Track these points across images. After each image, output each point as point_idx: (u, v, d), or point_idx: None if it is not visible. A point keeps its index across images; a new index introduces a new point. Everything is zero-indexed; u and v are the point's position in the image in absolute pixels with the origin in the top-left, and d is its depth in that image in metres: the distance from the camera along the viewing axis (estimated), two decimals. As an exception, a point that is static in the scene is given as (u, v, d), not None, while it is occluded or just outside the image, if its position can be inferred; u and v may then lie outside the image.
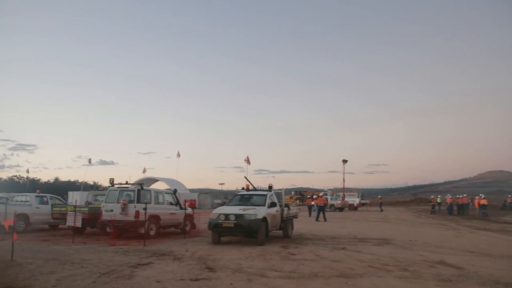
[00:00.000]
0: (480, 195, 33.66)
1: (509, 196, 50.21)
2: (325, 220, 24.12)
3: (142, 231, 12.46)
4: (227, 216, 11.81)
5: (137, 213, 12.82)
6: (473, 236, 16.06)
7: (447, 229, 19.53)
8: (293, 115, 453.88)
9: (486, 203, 31.07)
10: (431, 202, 39.67)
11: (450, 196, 38.30)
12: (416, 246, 11.88)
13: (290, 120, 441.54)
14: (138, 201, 13.20)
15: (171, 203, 15.15)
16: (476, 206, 32.41)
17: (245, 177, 15.52)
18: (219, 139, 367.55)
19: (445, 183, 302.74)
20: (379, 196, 45.90)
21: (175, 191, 16.09)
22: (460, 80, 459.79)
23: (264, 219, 12.02)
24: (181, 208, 15.44)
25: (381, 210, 41.41)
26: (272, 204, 13.14)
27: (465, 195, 37.77)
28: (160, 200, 14.58)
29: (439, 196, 45.21)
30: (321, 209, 24.90)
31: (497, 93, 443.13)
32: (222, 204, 22.51)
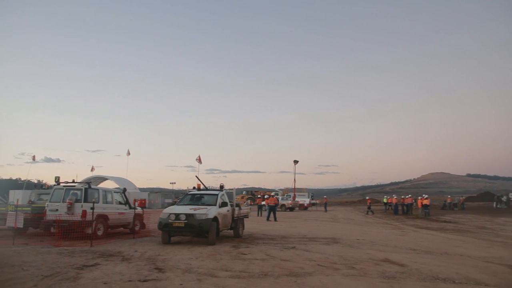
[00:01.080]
0: (423, 195, 35.28)
1: (449, 196, 53.07)
2: (275, 219, 24.35)
3: (89, 231, 12.04)
4: (177, 215, 11.66)
5: (84, 212, 12.38)
6: (415, 234, 16.77)
7: (392, 228, 20.29)
8: (247, 116, 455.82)
9: (428, 203, 32.63)
10: (368, 203, 40.89)
11: (395, 197, 39.80)
12: (363, 245, 12.24)
13: (243, 120, 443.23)
14: (85, 201, 12.75)
15: (120, 203, 14.75)
16: (419, 206, 33.96)
17: (196, 176, 15.39)
18: (171, 138, 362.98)
19: (391, 184, 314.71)
20: (324, 196, 46.96)
21: (124, 190, 15.69)
22: (403, 87, 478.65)
23: (215, 218, 11.98)
24: (130, 207, 15.07)
25: (325, 210, 42.28)
26: (223, 204, 13.13)
27: (409, 195, 39.42)
28: (109, 199, 14.16)
29: (385, 197, 46.91)
30: (272, 209, 25.11)
31: (438, 98, 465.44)
32: (172, 204, 22.16)
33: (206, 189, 14.58)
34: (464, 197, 59.17)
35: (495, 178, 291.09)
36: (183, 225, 11.54)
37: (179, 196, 29.58)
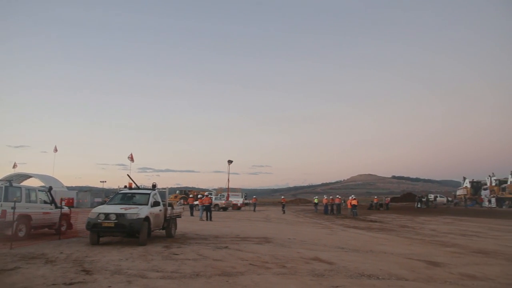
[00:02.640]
0: (352, 196, 36.85)
1: (375, 197, 55.81)
2: (207, 219, 24.28)
3: (9, 232, 11.29)
4: (107, 215, 11.26)
5: (4, 212, 11.56)
6: (344, 233, 17.47)
7: (322, 228, 20.97)
8: (180, 115, 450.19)
9: (356, 203, 34.13)
10: (282, 203, 41.67)
11: (325, 197, 41.14)
12: (294, 244, 12.54)
13: (176, 119, 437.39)
14: (6, 200, 11.89)
15: (45, 202, 13.97)
16: (348, 206, 35.40)
17: (128, 175, 15.03)
18: (102, 134, 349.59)
19: (322, 184, 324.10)
20: (254, 197, 47.51)
21: (50, 188, 14.87)
22: (336, 92, 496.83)
23: (147, 218, 11.71)
24: (56, 207, 14.32)
25: (254, 210, 42.75)
26: (156, 203, 12.86)
27: (338, 196, 40.94)
28: (33, 198, 13.33)
29: (316, 197, 48.35)
30: (207, 208, 25.04)
31: (368, 103, 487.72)
32: (102, 203, 21.39)
33: (138, 188, 14.24)
34: (389, 198, 62.48)
35: (417, 180, 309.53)
36: (113, 225, 11.17)
37: (110, 195, 28.59)
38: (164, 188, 15.21)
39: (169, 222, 13.94)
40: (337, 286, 6.50)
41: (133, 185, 14.32)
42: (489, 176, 53.06)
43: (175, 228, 14.83)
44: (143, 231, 11.46)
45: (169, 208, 13.99)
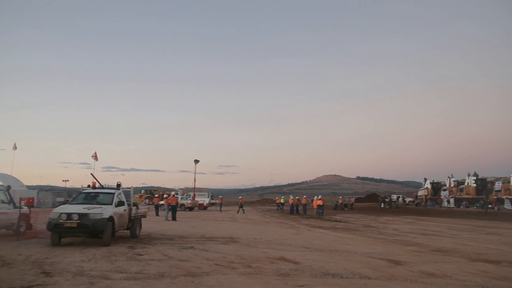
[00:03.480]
0: (319, 196, 37.36)
1: (340, 197, 56.88)
2: (173, 219, 24.06)
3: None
4: (69, 215, 10.96)
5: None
6: (309, 233, 17.68)
7: (288, 228, 21.16)
8: (146, 114, 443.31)
9: (322, 203, 34.63)
10: (240, 202, 41.68)
11: (292, 197, 41.54)
12: (260, 244, 12.59)
13: (142, 118, 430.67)
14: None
15: (2, 202, 13.47)
16: (314, 206, 35.88)
17: (91, 174, 14.67)
18: (65, 132, 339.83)
19: (288, 185, 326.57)
20: (220, 196, 47.48)
21: (8, 187, 14.35)
22: (299, 93, 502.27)
23: (111, 218, 11.48)
24: (15, 207, 13.82)
25: (220, 210, 42.73)
26: (120, 203, 12.63)
27: (304, 196, 41.41)
28: (-11, 198, 12.86)
29: (282, 197, 48.74)
30: (173, 208, 24.80)
31: (332, 104, 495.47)
32: (65, 203, 20.85)
33: (102, 187, 13.96)
34: (353, 198, 63.79)
35: (381, 181, 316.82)
36: (75, 226, 10.88)
37: (72, 195, 27.90)
38: (129, 188, 14.96)
39: (133, 222, 13.71)
40: (302, 285, 6.58)
41: (97, 185, 14.01)
42: (448, 177, 54.98)
43: (140, 228, 14.61)
44: (107, 231, 11.22)
45: (134, 208, 13.76)
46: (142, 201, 41.17)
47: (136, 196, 50.66)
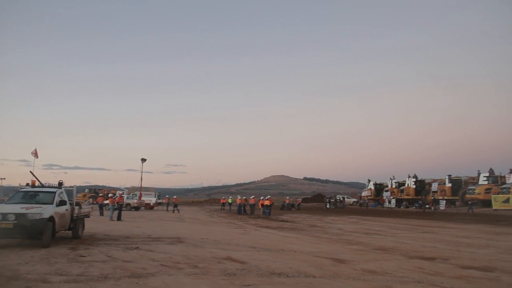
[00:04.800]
0: (267, 196, 37.69)
1: (287, 197, 57.68)
2: (118, 219, 23.43)
3: None
4: (4, 215, 10.34)
5: None
6: (256, 233, 17.81)
7: (235, 228, 21.21)
8: (90, 110, 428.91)
9: (269, 203, 34.95)
10: (174, 202, 41.41)
11: (240, 197, 41.66)
12: (207, 244, 12.53)
13: (87, 114, 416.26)
14: None
15: None
16: (260, 206, 36.16)
17: (31, 172, 14.03)
18: (2, 127, 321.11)
19: (237, 185, 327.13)
20: (167, 196, 46.73)
21: None
22: (249, 94, 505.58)
23: (51, 218, 10.98)
24: None
25: (167, 210, 42.08)
26: (61, 203, 12.10)
27: (252, 196, 41.63)
28: None
29: (230, 197, 48.77)
30: (119, 208, 24.14)
31: (279, 106, 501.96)
32: (0, 202, 19.69)
33: (42, 186, 13.34)
34: (300, 199, 64.94)
35: (327, 181, 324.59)
36: (11, 226, 10.29)
37: (9, 194, 26.43)
38: (72, 186, 14.43)
39: (76, 222, 13.20)
40: (248, 285, 6.62)
41: (37, 183, 13.39)
42: (390, 179, 57.25)
43: (83, 229, 14.10)
44: (47, 232, 10.71)
45: (76, 207, 13.26)
46: (86, 201, 39.78)
47: (79, 195, 48.88)
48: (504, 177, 38.73)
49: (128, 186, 62.09)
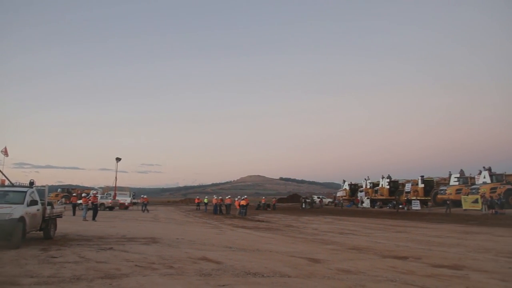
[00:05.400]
0: (243, 196, 37.67)
1: (263, 197, 57.80)
2: (93, 219, 23.06)
3: None
4: (-28, 216, 10.06)
5: None
6: (232, 233, 17.79)
7: (211, 228, 21.14)
8: (65, 107, 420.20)
9: (245, 203, 34.96)
10: (144, 202, 40.99)
11: (215, 197, 41.53)
12: (182, 244, 12.46)
13: (60, 111, 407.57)
14: None
15: None
16: (237, 206, 36.14)
17: (0, 171, 13.65)
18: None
19: (212, 185, 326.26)
20: (143, 196, 46.15)
21: None
22: (223, 95, 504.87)
23: (22, 218, 10.69)
24: None
25: (142, 210, 41.59)
26: (33, 202, 11.82)
27: (228, 196, 41.56)
28: None
29: (206, 197, 48.56)
30: (94, 208, 23.71)
31: (253, 106, 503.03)
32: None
33: (13, 185, 13.02)
34: (276, 199, 65.19)
35: (302, 182, 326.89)
36: None
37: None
38: (44, 186, 14.13)
39: (48, 222, 12.92)
40: (223, 285, 6.60)
41: (7, 182, 13.06)
42: (365, 179, 58.03)
43: (55, 229, 13.81)
44: (17, 232, 10.43)
45: (48, 207, 12.98)
46: (58, 201, 39.01)
47: (52, 195, 47.86)
48: (474, 178, 39.76)
49: (102, 185, 61.15)
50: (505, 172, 37.21)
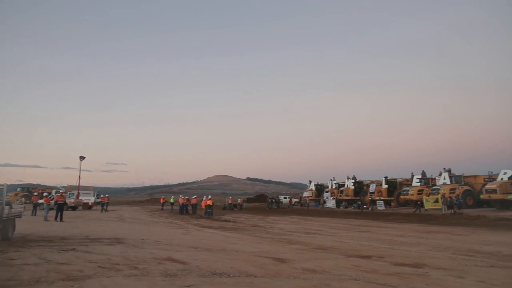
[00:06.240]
0: (209, 196, 37.49)
1: (230, 197, 57.70)
2: (60, 220, 22.29)
3: None
4: None
5: None
6: (198, 233, 17.69)
7: (177, 228, 20.95)
8: (25, 103, 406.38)
9: (211, 203, 34.83)
10: (103, 201, 40.64)
11: (182, 197, 41.15)
12: (148, 245, 12.29)
13: (20, 107, 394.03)
14: None
15: None
16: (203, 206, 35.95)
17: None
18: None
19: (179, 184, 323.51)
20: (106, 195, 45.18)
21: None
22: (189, 95, 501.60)
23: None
24: None
25: (106, 210, 40.77)
26: (-11, 202, 11.40)
27: (195, 196, 41.26)
28: None
29: (172, 197, 48.11)
30: (60, 207, 22.91)
31: (221, 107, 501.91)
32: None
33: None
34: (243, 199, 65.12)
35: (269, 182, 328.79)
36: None
37: None
38: (2, 185, 13.62)
39: (5, 223, 12.46)
40: (189, 286, 6.56)
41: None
42: (331, 180, 58.80)
43: (13, 230, 13.34)
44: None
45: (6, 207, 12.52)
46: (18, 200, 37.71)
47: (11, 194, 46.21)
48: (435, 179, 41.02)
49: (65, 184, 59.30)
50: (464, 174, 38.58)
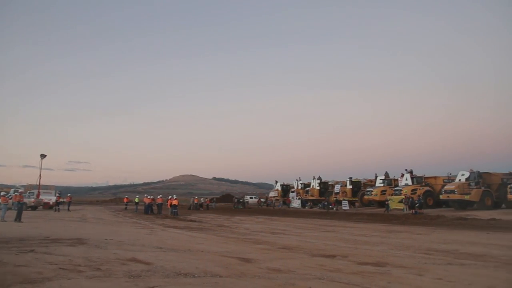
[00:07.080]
0: (174, 195, 37.16)
1: (196, 197, 57.40)
2: (19, 220, 21.50)
3: None
4: None
5: None
6: (163, 233, 17.48)
7: (141, 228, 20.64)
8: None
9: (177, 203, 34.58)
10: (57, 200, 39.79)
11: (147, 196, 40.61)
12: (111, 245, 12.05)
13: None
14: None
15: None
16: (169, 206, 35.61)
17: None
18: None
19: (144, 184, 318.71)
20: (68, 195, 43.99)
21: None
22: (155, 91, 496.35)
23: None
24: None
25: (69, 210, 39.64)
26: None
27: (160, 196, 40.80)
28: None
29: (137, 196, 47.41)
30: (19, 207, 22.07)
31: (188, 106, 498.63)
32: None
33: None
34: (209, 198, 64.83)
35: (235, 182, 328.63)
36: None
37: None
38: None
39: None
40: (153, 287, 6.47)
41: None
42: (297, 180, 59.41)
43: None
44: None
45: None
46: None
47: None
48: (397, 180, 42.18)
49: (25, 183, 57.28)
50: (425, 175, 39.88)
